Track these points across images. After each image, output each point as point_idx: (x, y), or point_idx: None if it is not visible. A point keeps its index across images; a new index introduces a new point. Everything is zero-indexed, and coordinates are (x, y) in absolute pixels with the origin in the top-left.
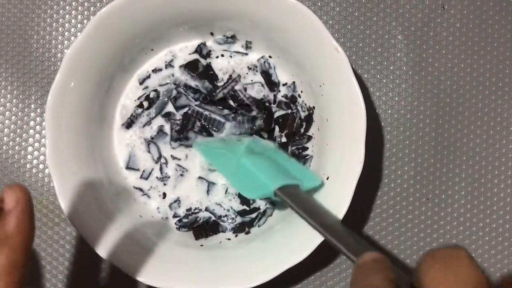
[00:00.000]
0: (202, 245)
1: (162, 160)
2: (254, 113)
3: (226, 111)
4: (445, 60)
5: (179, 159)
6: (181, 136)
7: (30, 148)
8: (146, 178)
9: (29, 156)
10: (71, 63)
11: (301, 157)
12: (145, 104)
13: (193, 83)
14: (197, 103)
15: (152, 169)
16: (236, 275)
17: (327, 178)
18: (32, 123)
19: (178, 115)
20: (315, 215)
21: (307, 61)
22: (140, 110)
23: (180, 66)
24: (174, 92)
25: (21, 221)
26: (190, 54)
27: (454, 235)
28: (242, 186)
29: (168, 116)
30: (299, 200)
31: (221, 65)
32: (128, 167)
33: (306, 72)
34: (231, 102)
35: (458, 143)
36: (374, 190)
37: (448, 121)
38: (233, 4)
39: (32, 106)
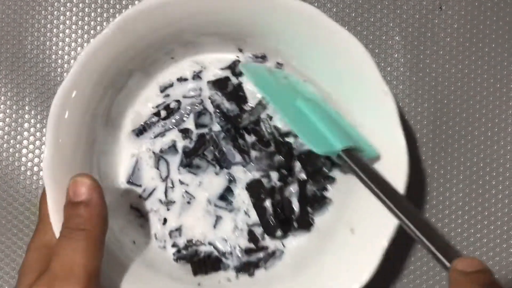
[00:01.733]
0: (199, 284)
1: (169, 184)
2: (272, 148)
3: (244, 147)
4: (442, 61)
5: (187, 185)
6: (190, 161)
7: (24, 150)
8: (146, 198)
9: (23, 158)
10: (83, 66)
11: (319, 199)
12: (163, 113)
13: (219, 102)
14: (218, 128)
15: (154, 189)
16: None
17: (352, 231)
18: (26, 125)
19: (195, 134)
20: (396, 199)
21: (345, 97)
22: (155, 118)
23: (208, 82)
24: (199, 107)
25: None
26: (222, 69)
27: (452, 237)
28: (303, 133)
29: (185, 132)
30: (370, 173)
31: (252, 86)
32: (129, 182)
33: (341, 107)
34: (247, 137)
35: (455, 145)
36: None
37: (445, 122)
38: (268, 23)
39: (27, 108)
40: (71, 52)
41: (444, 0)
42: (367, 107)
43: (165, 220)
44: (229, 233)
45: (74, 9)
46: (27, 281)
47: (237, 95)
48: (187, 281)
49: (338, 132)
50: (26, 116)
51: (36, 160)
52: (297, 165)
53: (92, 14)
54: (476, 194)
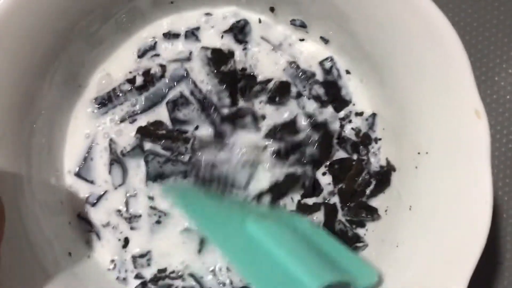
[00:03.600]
0: None
1: (131, 191)
2: (301, 135)
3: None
4: None
5: (152, 199)
6: (161, 170)
7: None
8: (93, 204)
9: None
10: None
11: (349, 238)
12: (139, 80)
13: (206, 85)
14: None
15: (105, 193)
16: None
17: None
18: None
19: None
20: None
21: (413, 104)
22: (128, 86)
23: (203, 48)
24: (176, 90)
25: None
26: (225, 32)
27: None
28: (253, 276)
29: (157, 126)
30: None
31: (264, 65)
32: (78, 174)
33: (401, 115)
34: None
35: None
36: None
37: None
38: None
39: None
40: None
41: None
42: (444, 126)
43: (126, 241)
44: (220, 261)
45: None
46: None
47: (235, 78)
48: None
49: (313, 260)
50: None
51: None
52: (326, 181)
53: None
54: None
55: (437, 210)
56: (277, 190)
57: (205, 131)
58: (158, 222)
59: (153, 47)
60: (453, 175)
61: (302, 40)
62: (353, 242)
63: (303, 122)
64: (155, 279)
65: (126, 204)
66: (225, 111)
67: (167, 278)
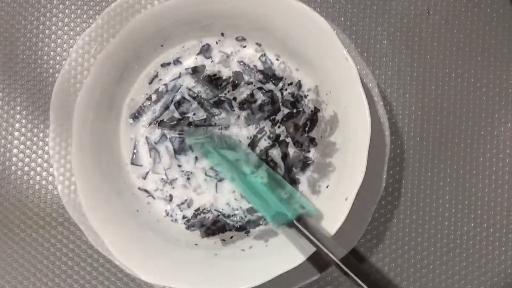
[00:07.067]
0: (196, 244)
1: (166, 166)
2: (259, 102)
3: (232, 113)
4: (429, 65)
5: (180, 166)
6: (181, 147)
7: (15, 150)
8: (144, 178)
9: (14, 158)
10: (101, 65)
11: (301, 159)
12: (154, 97)
13: (196, 88)
14: (202, 114)
15: (150, 170)
16: (231, 276)
17: (327, 187)
18: (17, 125)
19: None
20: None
21: (317, 67)
22: (148, 102)
23: (186, 69)
24: (178, 95)
25: None
26: (197, 54)
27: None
28: (259, 205)
29: (171, 124)
30: (320, 234)
31: (224, 68)
32: (132, 163)
33: (314, 75)
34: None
35: (442, 147)
36: None
37: (433, 125)
38: (242, 8)
39: (18, 108)
40: (62, 53)
41: (431, 5)
42: (333, 72)
43: (171, 197)
44: (230, 195)
45: (66, 10)
46: None
47: (211, 79)
48: (198, 243)
49: (287, 202)
50: (17, 116)
51: (26, 160)
52: (282, 129)
53: (84, 15)
54: (463, 188)
55: (342, 129)
56: (252, 143)
57: (201, 115)
58: (188, 179)
59: (156, 75)
60: (345, 100)
61: (244, 47)
62: (304, 161)
63: (257, 94)
64: (194, 216)
65: (165, 174)
66: (211, 101)
67: (201, 213)
